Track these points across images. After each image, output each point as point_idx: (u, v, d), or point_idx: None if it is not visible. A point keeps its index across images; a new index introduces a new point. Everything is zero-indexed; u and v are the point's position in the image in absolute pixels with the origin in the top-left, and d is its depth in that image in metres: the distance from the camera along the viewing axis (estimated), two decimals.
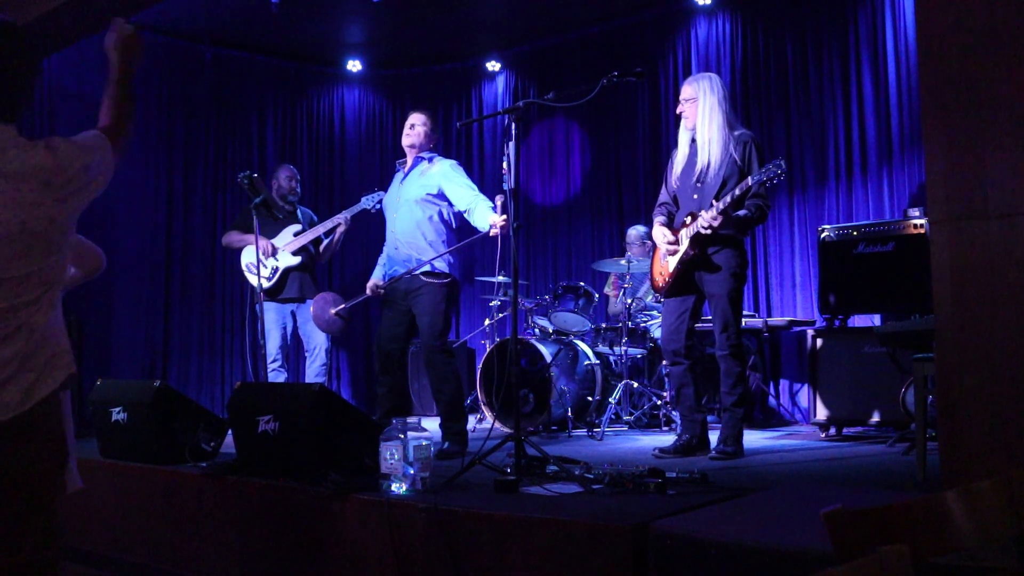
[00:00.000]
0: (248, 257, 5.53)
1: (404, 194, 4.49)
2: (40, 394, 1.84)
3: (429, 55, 8.17)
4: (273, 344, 5.50)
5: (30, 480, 1.83)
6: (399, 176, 4.62)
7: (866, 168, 6.09)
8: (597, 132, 7.49)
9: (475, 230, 4.36)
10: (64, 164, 1.86)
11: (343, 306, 5.20)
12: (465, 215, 4.38)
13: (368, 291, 4.65)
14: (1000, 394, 2.16)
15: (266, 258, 5.45)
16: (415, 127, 4.55)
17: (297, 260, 5.54)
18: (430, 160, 4.52)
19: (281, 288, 5.53)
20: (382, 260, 4.65)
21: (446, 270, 4.38)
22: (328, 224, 5.56)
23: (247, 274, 5.57)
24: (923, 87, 2.37)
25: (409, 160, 4.57)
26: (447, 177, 4.42)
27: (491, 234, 4.14)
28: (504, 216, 4.08)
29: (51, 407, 1.88)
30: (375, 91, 8.50)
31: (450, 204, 4.43)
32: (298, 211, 5.79)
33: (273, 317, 5.54)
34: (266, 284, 5.48)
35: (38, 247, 1.84)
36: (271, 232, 5.54)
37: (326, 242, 5.68)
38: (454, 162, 4.56)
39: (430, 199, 4.42)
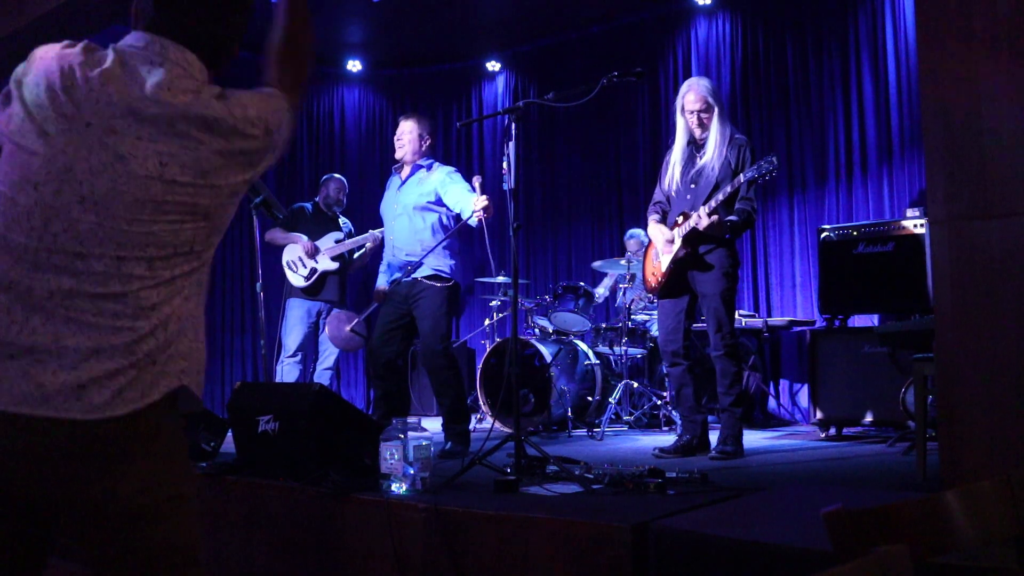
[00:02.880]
0: (289, 255, 5.77)
1: (403, 201, 4.47)
2: (139, 400, 1.39)
3: (429, 55, 8.17)
4: (294, 339, 5.66)
5: (124, 514, 1.40)
6: (396, 181, 4.59)
7: (866, 168, 6.09)
8: (597, 132, 7.49)
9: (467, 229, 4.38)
10: (245, 120, 1.53)
11: (357, 321, 5.24)
12: (461, 215, 4.37)
13: (375, 300, 4.67)
14: (1000, 394, 2.16)
15: (308, 258, 5.70)
16: (401, 139, 4.51)
17: (335, 266, 5.74)
18: (428, 168, 4.49)
19: (319, 288, 5.74)
20: (383, 267, 4.64)
21: (447, 273, 4.36)
22: (359, 240, 5.81)
23: (287, 271, 5.79)
24: (923, 87, 2.37)
25: (408, 167, 4.54)
26: (443, 183, 4.40)
27: (473, 220, 4.12)
28: (485, 197, 4.09)
29: (163, 424, 1.43)
30: (375, 91, 8.50)
31: (449, 210, 4.42)
32: (340, 219, 6.01)
33: (298, 314, 5.70)
34: (304, 283, 5.71)
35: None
36: (315, 235, 5.78)
37: (359, 254, 5.89)
38: (452, 168, 4.54)
39: (429, 206, 4.40)
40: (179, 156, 1.43)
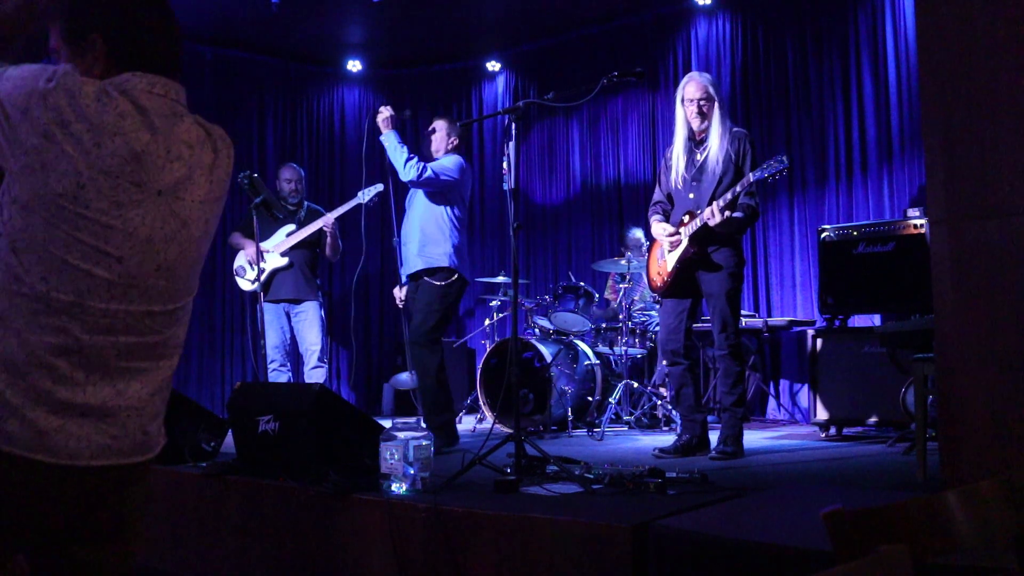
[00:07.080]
0: (238, 261, 5.68)
1: (416, 192, 4.61)
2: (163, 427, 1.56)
3: (429, 55, 8.17)
4: (270, 345, 5.47)
5: (118, 535, 1.50)
6: None
7: (866, 168, 6.09)
8: (597, 132, 7.50)
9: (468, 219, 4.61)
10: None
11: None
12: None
13: (398, 301, 4.84)
14: (1000, 393, 2.15)
15: (254, 265, 5.46)
16: (435, 132, 4.69)
17: (284, 261, 5.54)
18: (436, 159, 4.63)
19: (267, 290, 5.52)
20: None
21: (446, 264, 4.43)
22: (314, 226, 5.54)
23: (236, 278, 5.71)
24: (923, 86, 2.37)
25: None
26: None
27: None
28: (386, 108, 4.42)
29: None
30: (375, 91, 8.49)
31: (452, 206, 4.51)
32: (302, 209, 5.75)
33: (269, 318, 5.51)
34: (250, 287, 5.57)
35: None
36: (268, 233, 5.56)
37: (329, 241, 5.61)
38: (452, 155, 4.63)
39: (435, 198, 4.51)
40: (216, 211, 1.57)
